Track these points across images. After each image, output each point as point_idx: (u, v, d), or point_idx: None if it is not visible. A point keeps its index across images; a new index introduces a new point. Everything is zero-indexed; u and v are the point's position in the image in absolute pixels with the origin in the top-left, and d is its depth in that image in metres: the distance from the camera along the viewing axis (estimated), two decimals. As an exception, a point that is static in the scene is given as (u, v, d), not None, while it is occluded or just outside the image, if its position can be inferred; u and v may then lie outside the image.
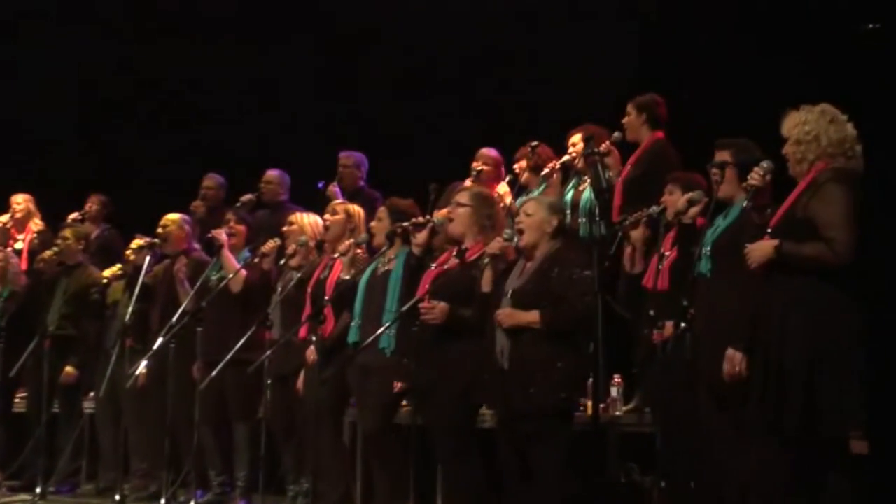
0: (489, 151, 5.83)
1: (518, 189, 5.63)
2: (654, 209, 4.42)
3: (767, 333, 3.56)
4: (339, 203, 5.48)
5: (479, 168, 5.73)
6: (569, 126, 5.45)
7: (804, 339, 3.47)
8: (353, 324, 4.92)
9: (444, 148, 6.17)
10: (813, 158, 3.57)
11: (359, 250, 5.18)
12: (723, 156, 4.02)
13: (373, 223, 5.07)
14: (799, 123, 3.60)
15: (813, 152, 3.56)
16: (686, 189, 4.25)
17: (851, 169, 3.58)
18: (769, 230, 3.58)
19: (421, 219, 4.77)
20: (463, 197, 4.67)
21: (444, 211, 4.90)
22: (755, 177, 3.66)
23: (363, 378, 4.85)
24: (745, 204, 3.71)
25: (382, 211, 5.02)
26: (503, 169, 5.83)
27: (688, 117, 5.23)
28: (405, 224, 4.78)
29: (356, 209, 5.35)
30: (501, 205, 5.21)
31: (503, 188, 5.65)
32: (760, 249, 3.57)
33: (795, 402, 3.45)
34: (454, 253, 4.60)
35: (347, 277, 4.97)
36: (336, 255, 5.12)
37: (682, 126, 5.18)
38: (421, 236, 4.70)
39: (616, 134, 5.21)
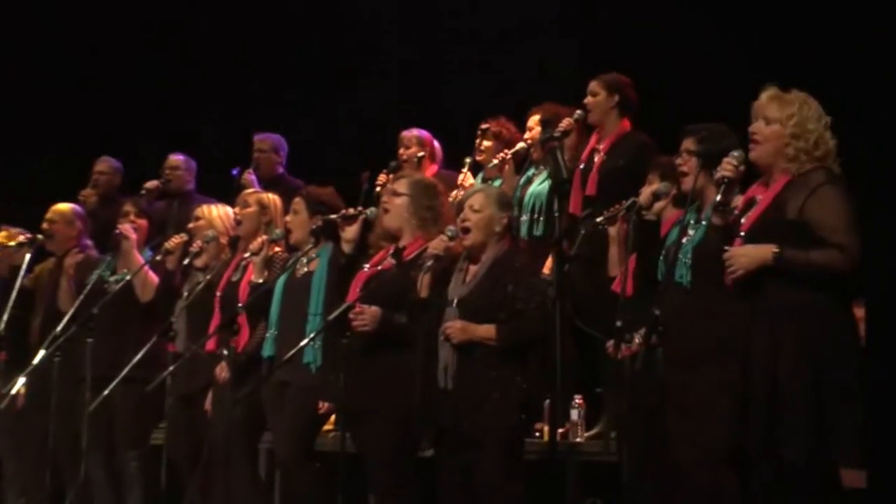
0: (415, 133, 5.68)
1: (472, 166, 5.45)
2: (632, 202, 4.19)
3: (752, 349, 3.42)
4: (250, 193, 5.23)
5: (419, 154, 5.59)
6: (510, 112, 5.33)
7: (801, 355, 3.34)
8: (268, 335, 4.70)
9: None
10: (805, 160, 3.46)
11: (277, 248, 4.93)
12: (689, 144, 3.89)
13: (288, 217, 4.85)
14: (794, 114, 3.47)
15: (807, 155, 3.46)
16: (665, 177, 4.04)
17: (838, 174, 3.51)
18: (742, 233, 3.45)
19: (351, 210, 4.55)
20: (400, 185, 4.46)
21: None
22: (728, 167, 3.50)
23: (280, 398, 4.62)
24: (717, 198, 3.53)
25: (298, 202, 4.81)
26: (435, 147, 5.70)
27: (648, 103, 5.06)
28: (333, 216, 4.55)
29: (271, 199, 5.11)
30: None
31: (469, 180, 5.42)
32: (751, 255, 3.42)
33: (800, 426, 3.31)
34: (391, 252, 4.38)
35: (261, 281, 4.76)
36: (247, 255, 4.88)
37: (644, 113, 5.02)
38: (351, 231, 4.46)
39: (578, 112, 4.95)
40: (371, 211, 4.53)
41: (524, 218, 4.99)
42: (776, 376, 3.36)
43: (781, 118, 3.48)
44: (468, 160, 5.50)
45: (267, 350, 4.68)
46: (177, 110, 6.90)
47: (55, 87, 7.31)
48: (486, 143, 5.41)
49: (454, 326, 4.00)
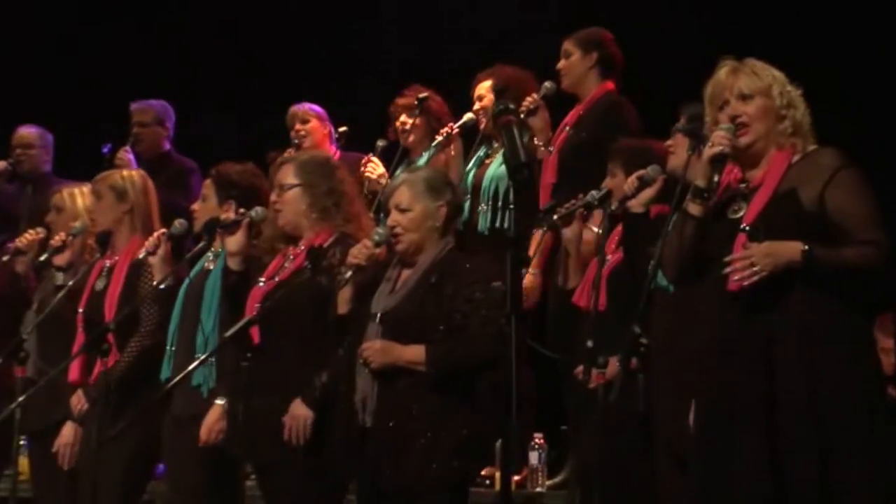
0: (308, 107, 5.66)
1: (400, 156, 5.14)
2: (594, 195, 3.99)
3: (743, 368, 3.20)
4: (100, 179, 4.70)
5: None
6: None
7: (810, 378, 3.14)
8: (167, 349, 4.31)
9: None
10: (804, 136, 3.33)
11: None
12: (682, 122, 3.83)
13: (195, 205, 4.50)
14: (773, 84, 3.33)
15: (801, 129, 3.34)
16: (630, 167, 3.88)
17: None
18: (746, 227, 3.23)
19: (231, 215, 4.10)
20: (286, 174, 4.05)
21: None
22: (723, 140, 3.26)
23: (176, 433, 4.23)
24: (714, 179, 3.31)
25: (208, 186, 4.45)
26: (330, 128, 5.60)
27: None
28: (215, 218, 4.17)
29: (127, 176, 4.63)
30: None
31: (378, 169, 5.10)
32: (778, 254, 3.19)
33: (805, 468, 3.09)
34: (297, 255, 3.99)
35: (163, 287, 4.34)
36: (142, 255, 4.41)
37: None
38: (234, 241, 4.03)
39: (547, 84, 4.66)
40: (256, 211, 4.08)
41: (483, 207, 4.78)
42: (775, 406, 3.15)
43: (762, 89, 3.32)
44: (381, 143, 5.23)
45: (165, 371, 4.29)
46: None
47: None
48: (417, 121, 5.10)
49: (372, 347, 3.62)
